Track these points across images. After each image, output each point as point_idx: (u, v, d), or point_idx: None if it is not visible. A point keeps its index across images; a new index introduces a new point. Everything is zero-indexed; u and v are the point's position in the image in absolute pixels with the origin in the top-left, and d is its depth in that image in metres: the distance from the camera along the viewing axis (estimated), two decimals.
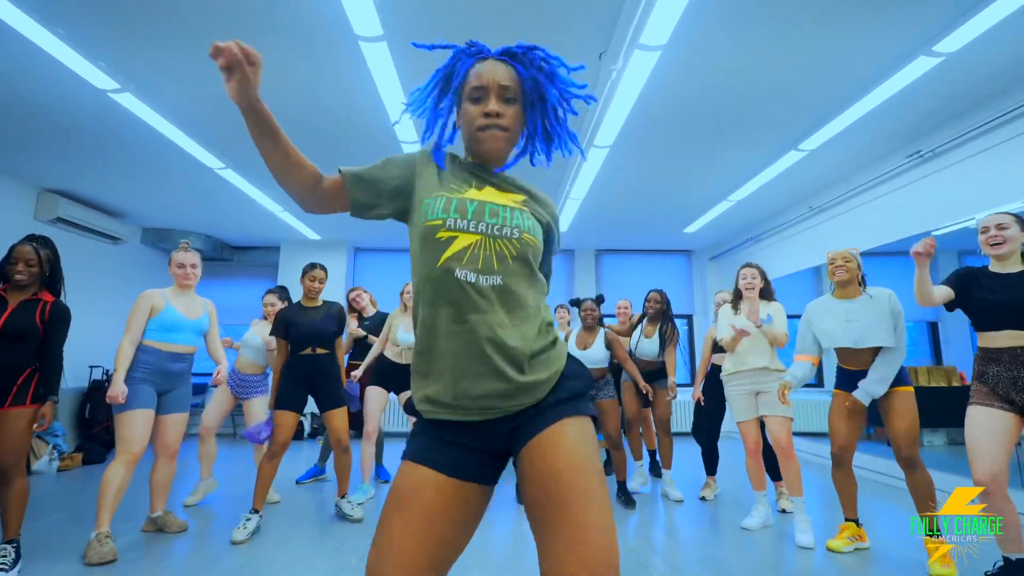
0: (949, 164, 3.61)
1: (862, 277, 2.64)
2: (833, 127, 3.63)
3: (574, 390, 0.93)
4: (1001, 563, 2.01)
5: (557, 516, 0.80)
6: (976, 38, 2.65)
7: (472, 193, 0.96)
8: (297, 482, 3.89)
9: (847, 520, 2.61)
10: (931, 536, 2.28)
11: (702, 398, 3.57)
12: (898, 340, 2.43)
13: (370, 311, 4.12)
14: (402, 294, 3.64)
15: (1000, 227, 2.07)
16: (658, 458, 3.97)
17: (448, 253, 0.89)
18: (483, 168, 1.02)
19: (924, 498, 2.33)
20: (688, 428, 4.97)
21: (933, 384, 5.75)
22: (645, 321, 3.81)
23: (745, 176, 4.59)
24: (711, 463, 3.69)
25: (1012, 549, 1.99)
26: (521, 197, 1.02)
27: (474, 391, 0.88)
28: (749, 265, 3.11)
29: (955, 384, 5.61)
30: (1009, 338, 1.99)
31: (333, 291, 6.48)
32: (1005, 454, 1.97)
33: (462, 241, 0.89)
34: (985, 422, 2.00)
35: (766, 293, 3.11)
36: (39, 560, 2.33)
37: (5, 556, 2.17)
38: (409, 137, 3.83)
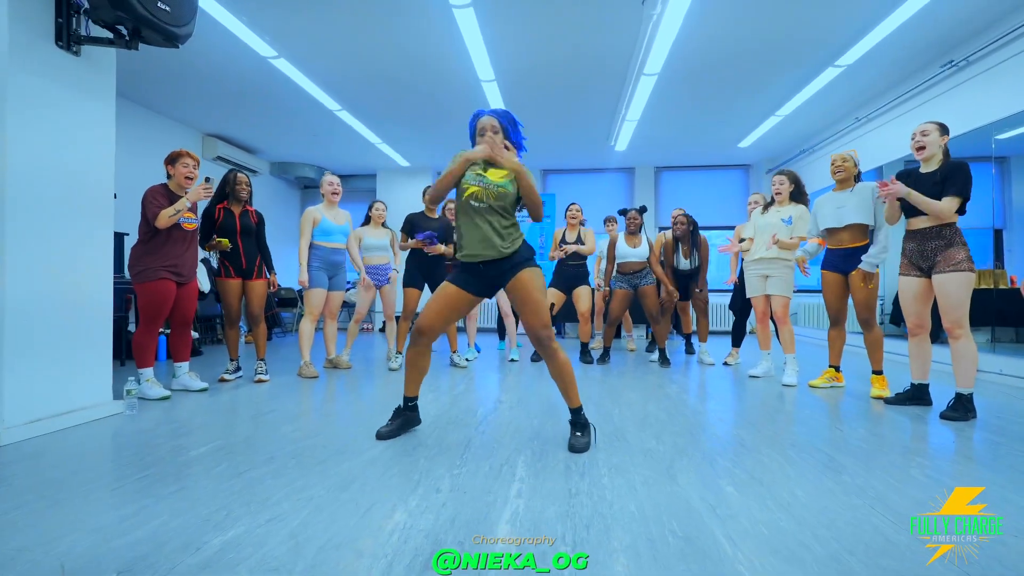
0: (978, 72, 3.90)
1: (858, 174, 3.27)
2: (867, 43, 4.00)
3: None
4: (908, 388, 2.88)
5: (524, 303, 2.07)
6: None
7: (483, 172, 2.12)
8: None
9: (830, 366, 3.45)
10: (876, 374, 3.17)
11: (736, 281, 4.39)
12: (877, 219, 3.10)
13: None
14: None
15: (923, 133, 2.65)
16: (693, 340, 4.93)
17: (467, 192, 2.09)
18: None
19: (874, 350, 3.19)
20: (725, 327, 5.77)
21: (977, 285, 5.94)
22: (679, 243, 4.53)
23: (788, 92, 4.99)
24: (737, 337, 4.59)
25: (917, 377, 2.83)
26: (506, 172, 2.10)
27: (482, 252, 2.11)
28: (780, 172, 3.71)
29: (1002, 287, 5.87)
30: (917, 223, 2.66)
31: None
32: (925, 307, 2.73)
33: (471, 189, 2.09)
34: (906, 288, 2.76)
35: (796, 195, 3.71)
36: (274, 375, 3.75)
37: (262, 368, 3.59)
38: (484, 71, 4.65)
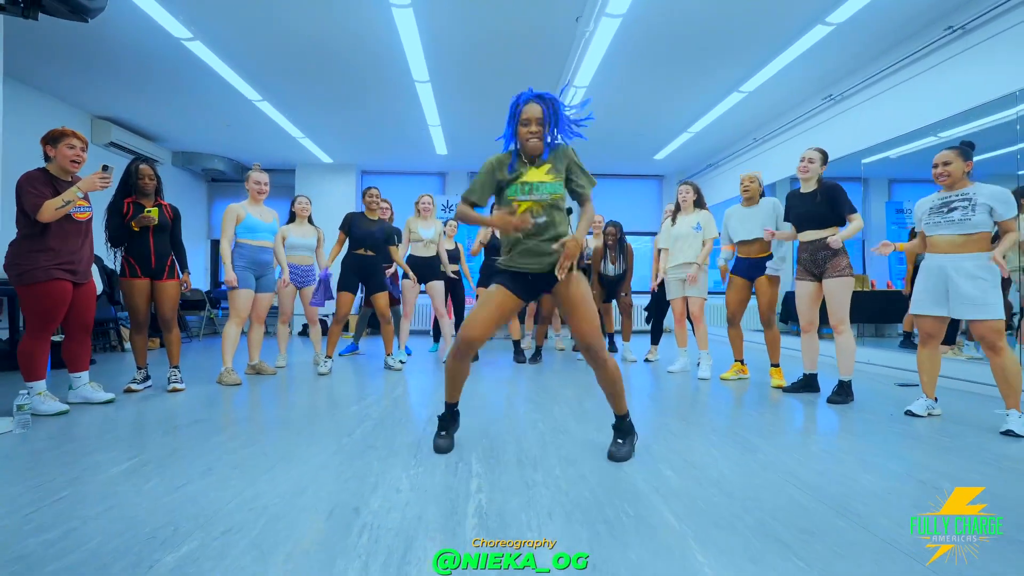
0: (850, 107, 4.57)
1: (761, 191, 3.70)
2: (764, 73, 4.52)
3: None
4: (801, 377, 3.31)
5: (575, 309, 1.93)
6: (861, 8, 3.52)
7: (524, 176, 1.93)
8: (339, 354, 5.07)
9: (736, 360, 3.85)
10: (775, 367, 3.58)
11: (655, 287, 4.73)
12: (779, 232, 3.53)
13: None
14: (417, 203, 4.59)
15: (810, 160, 3.10)
16: (617, 339, 5.24)
17: (520, 209, 1.92)
18: (528, 159, 1.96)
19: (773, 346, 3.60)
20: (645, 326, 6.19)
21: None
22: (607, 250, 4.85)
23: (699, 112, 5.49)
24: (656, 336, 4.96)
25: (808, 368, 3.27)
26: (548, 166, 1.93)
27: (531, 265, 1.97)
28: (684, 183, 4.12)
29: (865, 289, 6.84)
30: (809, 235, 3.11)
31: (345, 207, 7.39)
32: (815, 308, 3.17)
33: (524, 205, 1.91)
34: (802, 291, 3.18)
35: (699, 203, 4.12)
36: (188, 383, 3.47)
37: (176, 376, 3.30)
38: (420, 72, 4.62)
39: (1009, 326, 3.93)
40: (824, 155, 3.12)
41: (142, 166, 3.24)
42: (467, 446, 2.14)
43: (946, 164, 2.59)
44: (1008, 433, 2.35)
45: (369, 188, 4.12)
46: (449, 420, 2.15)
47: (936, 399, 2.73)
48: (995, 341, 2.43)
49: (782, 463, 1.94)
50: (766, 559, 1.24)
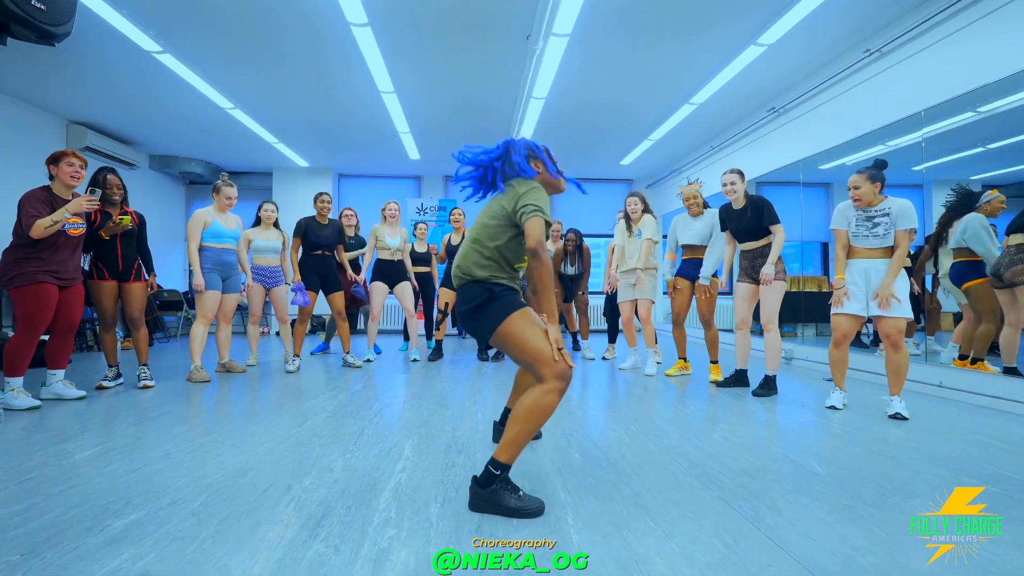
0: (794, 118, 4.86)
1: (703, 202, 3.98)
2: (710, 88, 4.80)
3: None
4: (732, 373, 3.57)
5: None
6: (786, 33, 3.80)
7: None
8: (311, 353, 5.27)
9: (679, 358, 4.12)
10: (713, 363, 3.84)
11: (609, 290, 4.99)
12: (712, 241, 3.80)
13: (351, 232, 5.27)
14: (383, 210, 4.79)
15: (732, 184, 3.39)
16: (579, 336, 5.49)
17: None
18: None
19: (712, 344, 3.87)
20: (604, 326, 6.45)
21: (805, 289, 7.15)
22: (567, 254, 5.14)
23: (656, 121, 5.77)
24: (612, 335, 5.23)
25: (740, 364, 3.54)
26: None
27: None
28: (632, 194, 4.38)
29: (824, 290, 7.15)
30: (747, 246, 3.41)
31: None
32: (750, 308, 3.45)
33: None
34: (739, 292, 3.46)
35: (646, 210, 4.39)
36: (160, 380, 3.65)
37: (145, 373, 3.48)
38: (384, 84, 4.83)
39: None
40: (741, 174, 3.42)
41: (110, 176, 3.41)
42: (406, 434, 2.37)
43: (856, 188, 2.83)
44: (896, 416, 2.64)
45: (321, 194, 4.33)
46: None
47: (844, 390, 3.01)
48: (898, 339, 2.72)
49: (679, 447, 2.19)
50: (625, 521, 1.49)
